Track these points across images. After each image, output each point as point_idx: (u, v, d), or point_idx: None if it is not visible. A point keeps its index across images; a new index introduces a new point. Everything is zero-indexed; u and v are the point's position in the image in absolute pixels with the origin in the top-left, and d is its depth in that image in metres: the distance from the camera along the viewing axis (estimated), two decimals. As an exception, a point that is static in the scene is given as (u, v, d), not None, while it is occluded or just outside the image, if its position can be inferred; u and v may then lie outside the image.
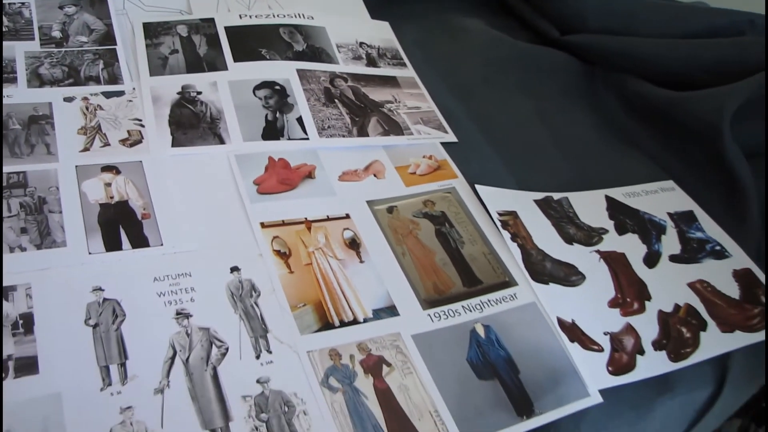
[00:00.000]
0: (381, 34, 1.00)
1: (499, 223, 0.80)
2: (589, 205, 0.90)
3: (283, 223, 0.73)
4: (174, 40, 0.88)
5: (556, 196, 0.89)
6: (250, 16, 0.93)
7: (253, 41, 0.90)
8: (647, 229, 0.89)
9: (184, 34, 0.89)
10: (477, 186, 0.82)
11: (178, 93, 0.82)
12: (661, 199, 0.96)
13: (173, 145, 0.77)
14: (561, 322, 0.73)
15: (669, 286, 0.83)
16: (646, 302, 0.80)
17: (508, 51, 1.09)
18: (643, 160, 1.03)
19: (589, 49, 1.11)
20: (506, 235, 0.79)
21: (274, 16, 0.94)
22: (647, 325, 0.77)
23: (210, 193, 0.74)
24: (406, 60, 0.98)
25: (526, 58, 1.09)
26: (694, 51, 1.03)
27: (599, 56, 1.11)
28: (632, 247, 0.86)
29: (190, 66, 0.85)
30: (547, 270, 0.78)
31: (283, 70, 0.88)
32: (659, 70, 1.05)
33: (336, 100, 0.87)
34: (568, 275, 0.79)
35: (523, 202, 0.85)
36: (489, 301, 0.72)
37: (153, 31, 0.88)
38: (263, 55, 0.89)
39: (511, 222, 0.81)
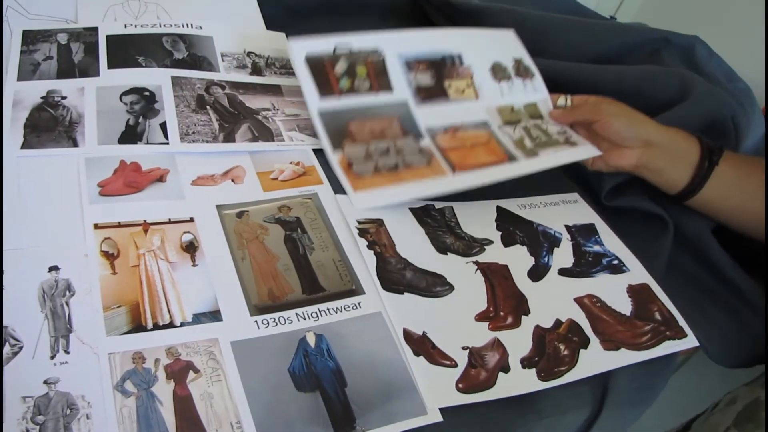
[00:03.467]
0: (274, 44, 0.99)
1: (355, 231, 0.76)
2: (477, 216, 0.86)
3: (119, 225, 0.70)
4: (51, 47, 0.87)
5: (439, 204, 0.85)
6: (136, 26, 0.92)
7: (132, 49, 0.89)
8: (538, 241, 0.85)
9: (63, 41, 0.88)
10: (337, 195, 0.79)
11: (42, 98, 0.81)
12: (560, 211, 0.92)
13: (23, 147, 0.75)
14: (408, 335, 0.68)
15: (553, 300, 0.78)
16: (523, 317, 0.75)
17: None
18: (558, 174, 0.99)
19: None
20: (362, 242, 0.75)
21: (160, 25, 0.93)
22: (519, 341, 0.72)
23: (51, 195, 0.72)
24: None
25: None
26: (598, 77, 0.99)
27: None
28: (518, 259, 0.82)
29: (62, 72, 0.84)
30: (405, 279, 0.74)
31: (156, 77, 0.86)
32: (564, 92, 1.01)
33: (208, 107, 0.85)
34: (431, 286, 0.75)
35: (395, 210, 0.81)
36: (328, 309, 0.68)
37: (32, 39, 0.88)
38: (139, 63, 0.87)
39: (372, 230, 0.77)
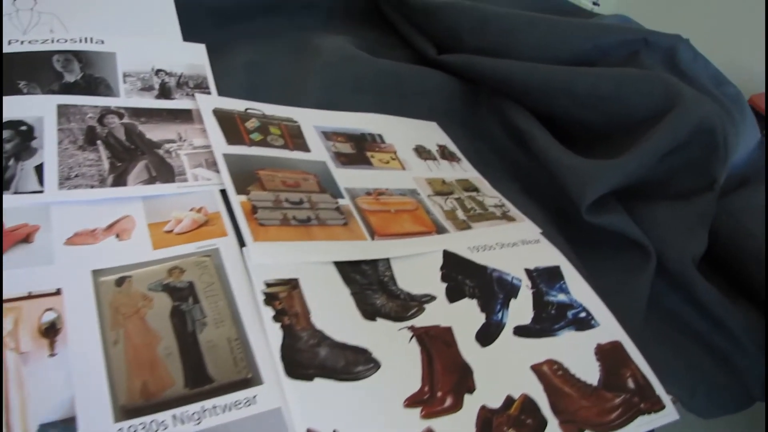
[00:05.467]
0: (190, 59, 0.85)
1: (261, 297, 0.63)
2: (418, 265, 0.73)
3: (-36, 305, 0.58)
4: None
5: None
6: (23, 42, 0.79)
7: (14, 72, 0.76)
8: (492, 291, 0.72)
9: (-70, 65, 0.75)
10: (245, 248, 0.66)
11: None
12: (520, 252, 0.78)
13: None
14: (312, 437, 0.56)
15: (504, 370, 0.65)
16: (466, 395, 0.63)
17: (363, 70, 0.92)
18: (521, 198, 0.86)
19: (463, 70, 0.94)
20: (268, 312, 0.62)
21: (53, 41, 0.80)
22: (459, 429, 0.60)
23: None
24: (212, 88, 0.83)
25: (385, 77, 0.93)
26: (569, 80, 0.86)
27: (476, 79, 0.94)
28: (465, 317, 0.69)
29: None
30: (317, 360, 0.61)
31: (39, 107, 0.73)
32: (535, 97, 0.88)
33: (99, 142, 0.72)
34: (352, 365, 0.62)
35: (315, 265, 0.68)
36: (215, 407, 0.56)
37: None
38: (20, 89, 0.74)
39: (283, 294, 0.64)
